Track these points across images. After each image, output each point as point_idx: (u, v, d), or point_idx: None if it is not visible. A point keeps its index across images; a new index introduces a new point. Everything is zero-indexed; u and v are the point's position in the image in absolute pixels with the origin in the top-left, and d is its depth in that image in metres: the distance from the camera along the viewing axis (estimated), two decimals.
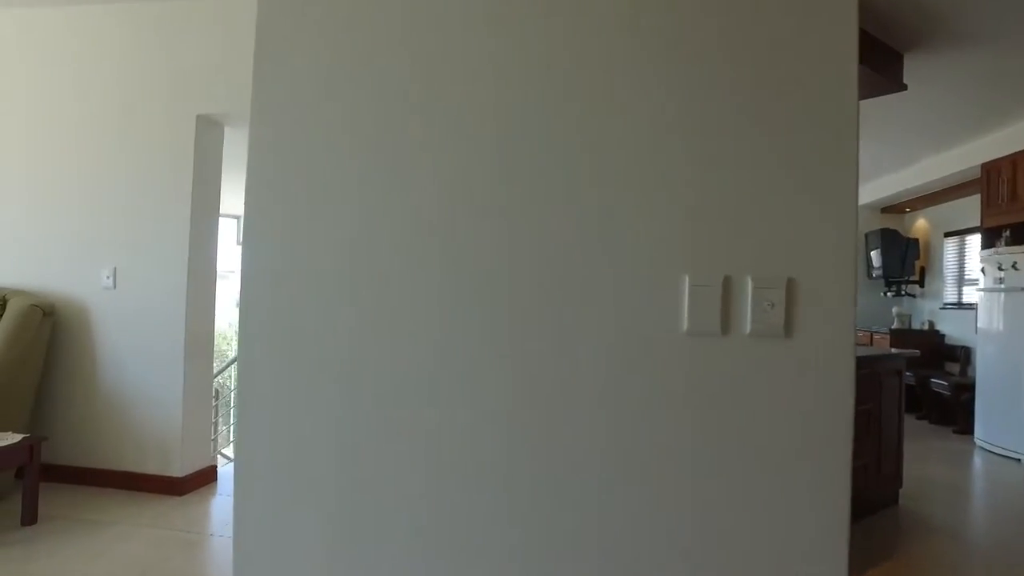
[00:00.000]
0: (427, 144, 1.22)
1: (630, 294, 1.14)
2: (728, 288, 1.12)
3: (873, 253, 8.09)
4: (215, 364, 4.00)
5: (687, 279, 1.12)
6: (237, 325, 1.32)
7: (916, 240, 7.85)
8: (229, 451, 5.57)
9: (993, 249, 5.39)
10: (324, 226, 1.25)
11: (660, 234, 1.14)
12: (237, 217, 8.48)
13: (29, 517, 3.01)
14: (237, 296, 1.34)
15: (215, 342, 3.75)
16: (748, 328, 1.11)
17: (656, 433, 1.13)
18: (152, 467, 3.43)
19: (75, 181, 3.57)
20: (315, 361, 1.25)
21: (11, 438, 2.98)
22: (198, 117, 3.42)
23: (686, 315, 1.12)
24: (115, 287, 3.49)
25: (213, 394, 3.83)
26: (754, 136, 1.12)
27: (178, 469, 3.41)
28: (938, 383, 6.21)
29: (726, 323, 1.12)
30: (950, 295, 7.25)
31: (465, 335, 1.19)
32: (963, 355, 6.61)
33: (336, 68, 1.26)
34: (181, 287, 3.41)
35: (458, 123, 1.21)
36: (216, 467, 3.72)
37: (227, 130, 3.65)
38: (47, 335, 3.44)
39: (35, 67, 3.67)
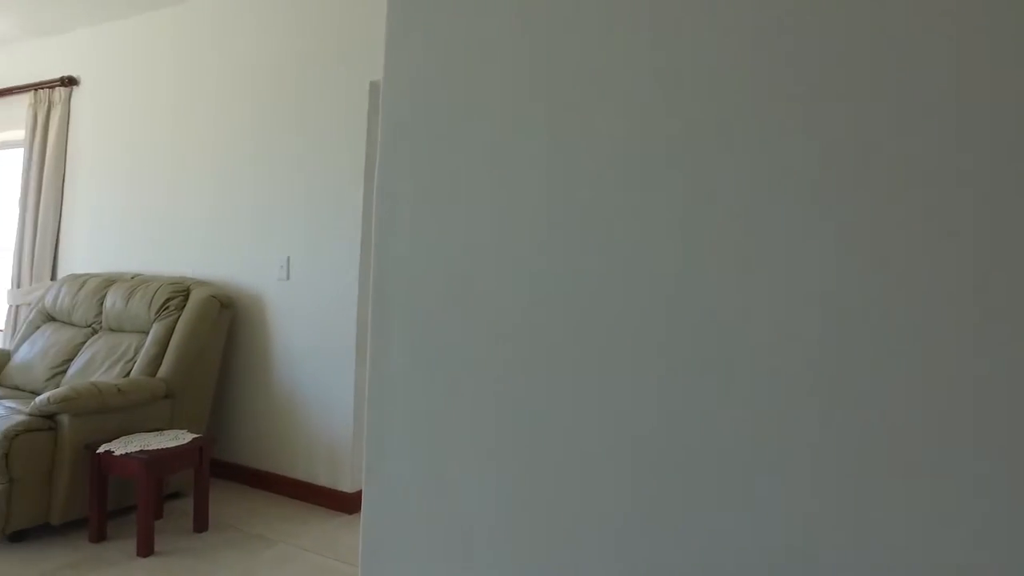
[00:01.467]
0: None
1: None
2: None
3: None
4: None
5: None
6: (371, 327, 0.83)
7: None
8: None
9: None
10: (470, 213, 0.74)
11: None
12: None
13: (200, 523, 2.82)
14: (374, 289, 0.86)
15: None
16: None
17: None
18: (322, 478, 3.13)
19: (250, 165, 3.40)
20: (467, 371, 0.67)
21: (183, 437, 2.80)
22: (372, 84, 3.04)
23: None
24: (288, 278, 3.24)
25: None
26: None
27: (348, 484, 3.07)
28: None
29: None
30: None
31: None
32: None
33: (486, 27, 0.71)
34: (353, 280, 3.06)
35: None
36: None
37: None
38: (225, 328, 3.28)
39: (206, 58, 3.57)
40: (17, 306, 4.43)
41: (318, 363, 3.14)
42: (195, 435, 2.84)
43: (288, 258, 3.24)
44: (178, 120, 3.76)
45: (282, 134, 3.31)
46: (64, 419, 2.69)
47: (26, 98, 4.59)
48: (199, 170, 3.63)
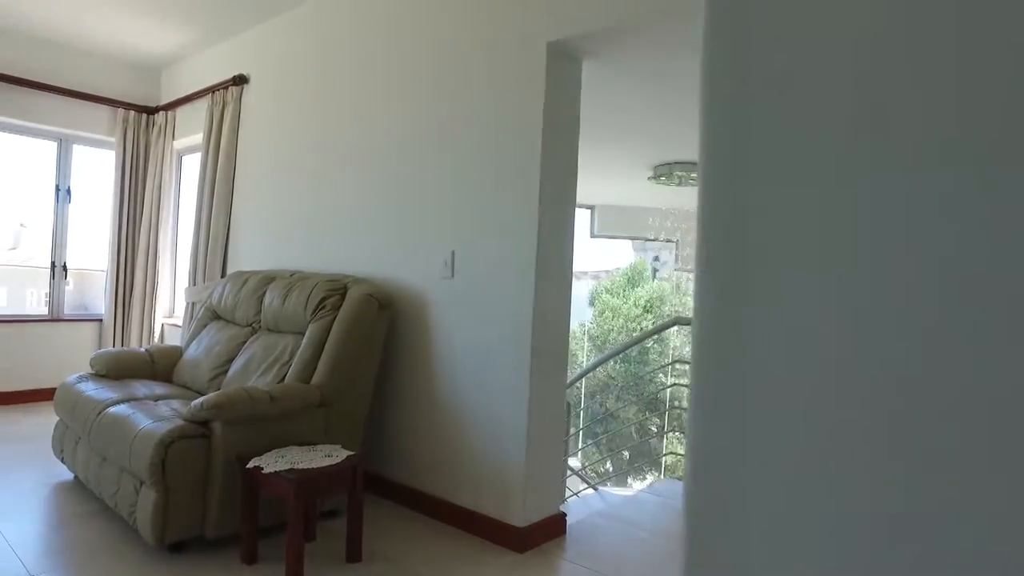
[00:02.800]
0: None
1: None
2: None
3: None
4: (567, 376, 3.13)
5: None
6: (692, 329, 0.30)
7: None
8: (581, 492, 4.78)
9: None
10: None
11: None
12: (592, 208, 7.57)
13: (353, 553, 2.47)
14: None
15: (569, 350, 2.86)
16: None
17: None
18: (489, 508, 2.68)
19: (411, 151, 3.04)
20: None
21: (337, 455, 2.47)
22: (548, 45, 2.54)
23: None
24: (452, 276, 2.84)
25: (565, 417, 2.95)
26: None
27: (519, 517, 2.59)
28: None
29: None
30: None
31: None
32: None
33: None
34: (527, 277, 2.57)
35: None
36: (565, 517, 2.82)
37: (587, 68, 2.72)
38: (383, 331, 2.94)
39: (362, 46, 3.26)
40: (194, 303, 4.47)
41: (486, 374, 2.70)
42: (349, 452, 2.50)
43: (452, 252, 2.84)
44: (338, 111, 3.52)
45: (447, 116, 2.92)
46: (217, 427, 2.46)
47: (205, 101, 4.66)
48: (358, 160, 3.36)
